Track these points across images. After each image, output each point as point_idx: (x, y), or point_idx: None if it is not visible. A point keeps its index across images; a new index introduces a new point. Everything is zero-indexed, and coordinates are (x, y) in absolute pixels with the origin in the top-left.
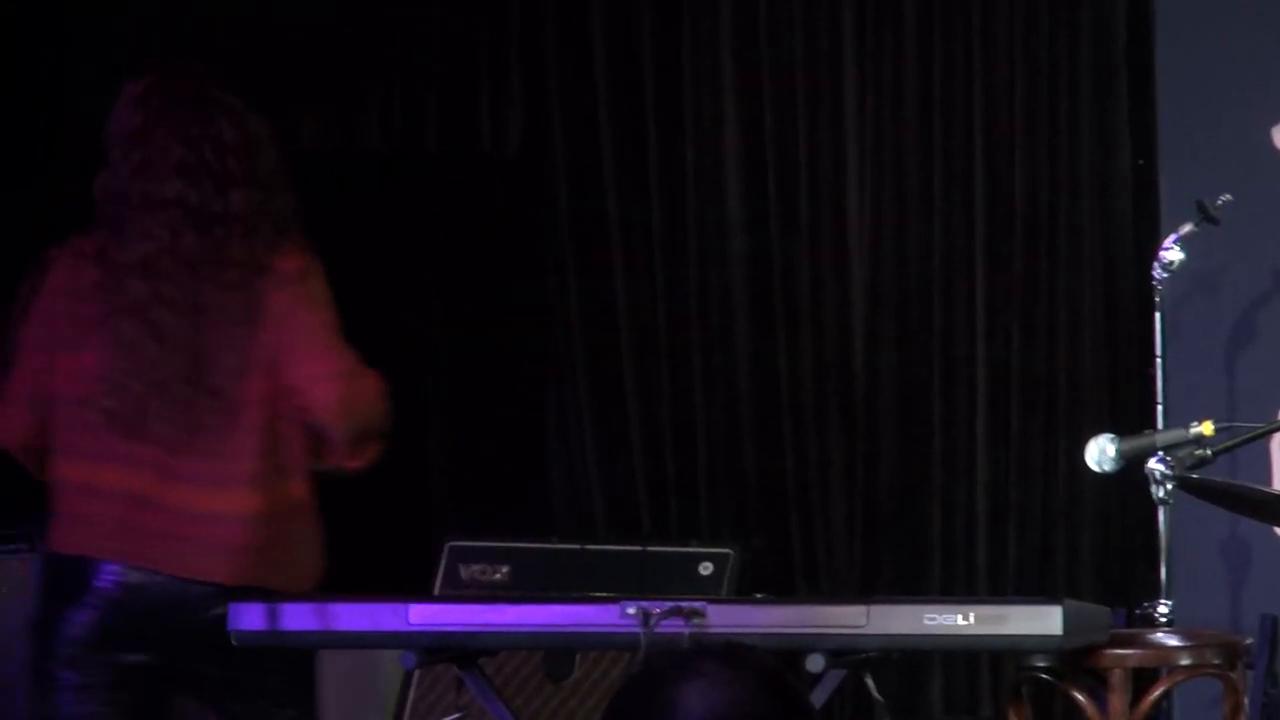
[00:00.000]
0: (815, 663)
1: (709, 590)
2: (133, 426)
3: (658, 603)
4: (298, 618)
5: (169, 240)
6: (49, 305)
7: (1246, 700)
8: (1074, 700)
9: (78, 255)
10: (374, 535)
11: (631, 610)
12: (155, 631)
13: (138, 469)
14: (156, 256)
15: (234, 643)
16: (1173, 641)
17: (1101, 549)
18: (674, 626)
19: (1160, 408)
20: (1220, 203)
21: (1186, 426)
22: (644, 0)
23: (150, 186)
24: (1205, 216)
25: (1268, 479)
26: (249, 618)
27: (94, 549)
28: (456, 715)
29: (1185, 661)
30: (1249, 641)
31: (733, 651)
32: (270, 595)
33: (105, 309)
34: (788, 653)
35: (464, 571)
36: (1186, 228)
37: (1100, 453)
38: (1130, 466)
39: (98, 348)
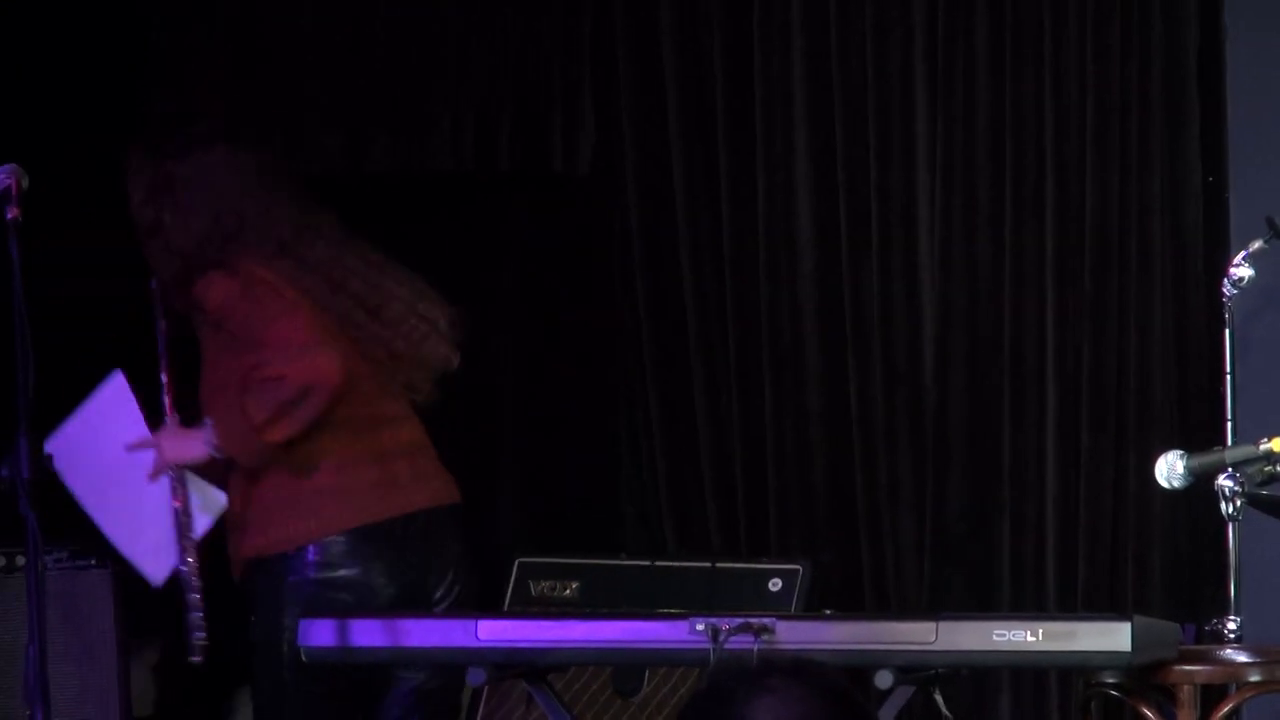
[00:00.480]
0: (884, 679)
1: (778, 606)
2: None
3: (727, 619)
4: (369, 634)
5: None
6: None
7: None
8: (1143, 716)
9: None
10: None
11: (700, 626)
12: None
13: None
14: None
15: (304, 659)
16: (1242, 658)
17: (1171, 565)
18: (743, 642)
19: (1229, 424)
20: None
21: (1256, 443)
22: (715, 20)
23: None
24: (1275, 232)
25: None
26: (319, 634)
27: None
28: None
29: (1255, 678)
30: None
31: (801, 668)
32: None
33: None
34: (856, 669)
35: (534, 587)
36: (1256, 244)
37: (1169, 469)
38: (1199, 483)
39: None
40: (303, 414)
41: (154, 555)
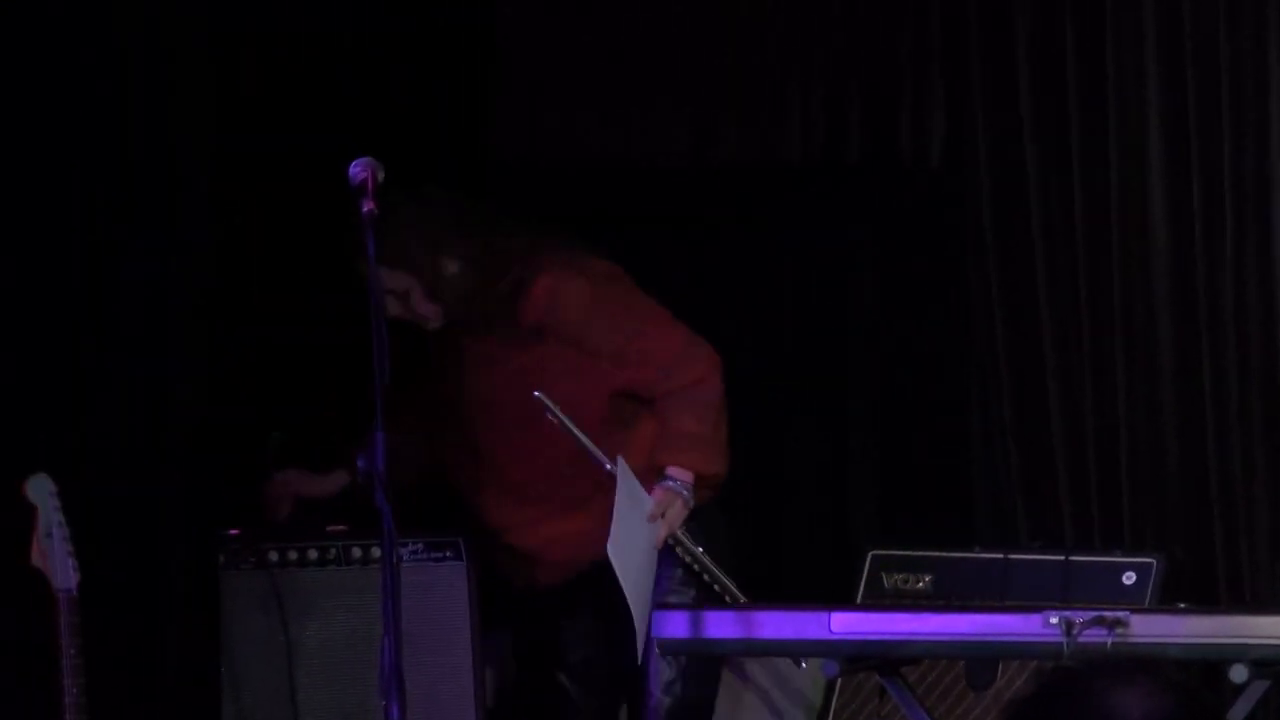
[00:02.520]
0: (1239, 673)
1: (1132, 599)
2: None
3: (1080, 612)
4: (722, 625)
5: None
6: None
7: None
8: None
9: None
10: (798, 544)
11: (1054, 619)
12: None
13: None
14: None
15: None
16: None
17: None
18: (1096, 636)
19: None
20: None
21: None
22: (1067, 6)
23: None
24: None
25: None
26: (673, 625)
27: None
28: None
29: None
30: None
31: (1146, 664)
32: None
33: None
34: (1211, 663)
35: (887, 580)
36: None
37: None
38: None
39: None
40: (723, 406)
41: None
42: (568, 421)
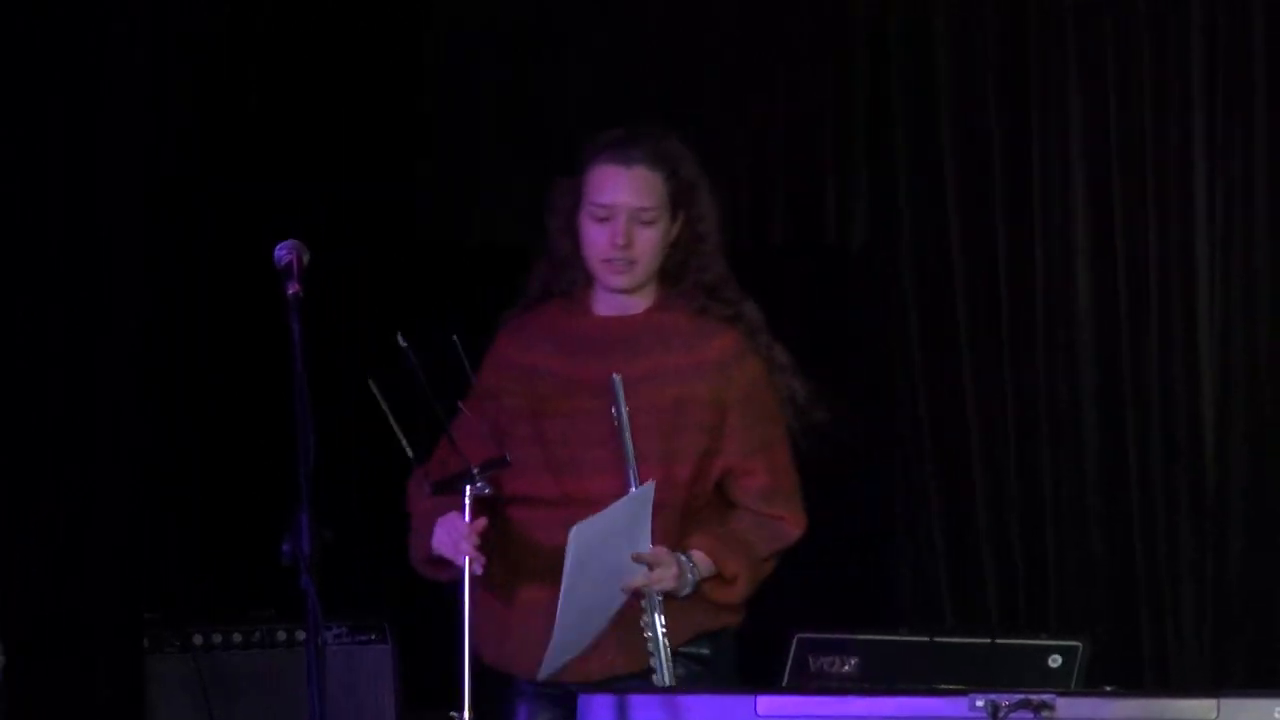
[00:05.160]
0: None
1: (1058, 682)
2: None
3: (1006, 695)
4: (648, 710)
5: None
6: None
7: None
8: None
9: None
10: None
11: (980, 703)
12: None
13: None
14: None
15: None
16: None
17: None
18: (1023, 719)
19: None
20: None
21: None
22: (991, 90)
23: None
24: None
25: None
26: (599, 710)
27: None
28: None
29: None
30: None
31: None
32: None
33: None
34: None
35: (813, 663)
36: None
37: None
38: None
39: None
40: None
41: (563, 653)
42: (626, 419)
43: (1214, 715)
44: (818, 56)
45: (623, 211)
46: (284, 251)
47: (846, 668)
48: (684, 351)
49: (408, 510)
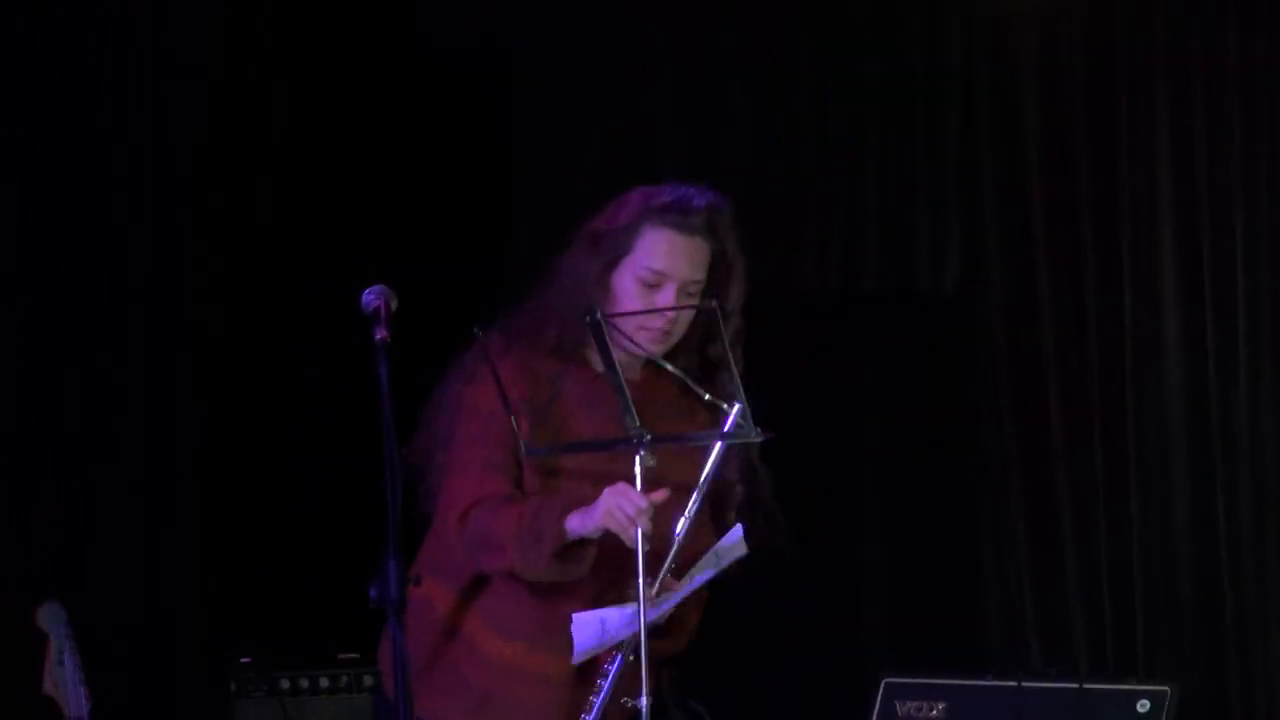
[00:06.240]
0: None
1: None
2: None
3: None
4: None
5: None
6: None
7: None
8: None
9: None
10: (811, 671)
11: None
12: None
13: None
14: None
15: None
16: None
17: None
18: None
19: None
20: None
21: None
22: (1080, 134)
23: None
24: None
25: None
26: None
27: None
28: None
29: None
30: None
31: None
32: None
33: None
34: None
35: (900, 708)
36: None
37: None
38: None
39: None
40: None
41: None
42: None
43: None
44: (909, 101)
45: (675, 281)
46: (372, 296)
47: (934, 713)
48: (672, 421)
49: (482, 532)
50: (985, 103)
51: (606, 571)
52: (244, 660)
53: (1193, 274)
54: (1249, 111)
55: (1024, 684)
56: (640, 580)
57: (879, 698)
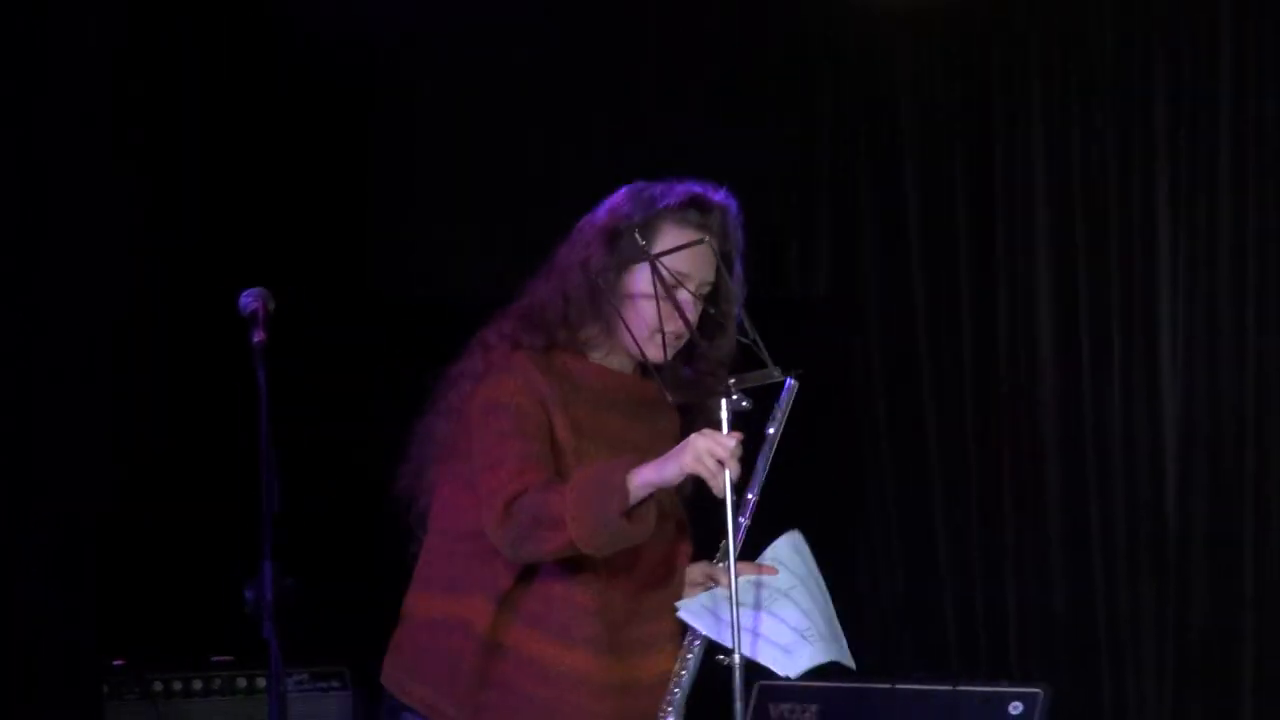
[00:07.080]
0: None
1: None
2: None
3: None
4: None
5: None
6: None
7: None
8: None
9: None
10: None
11: None
12: None
13: None
14: None
15: None
16: None
17: None
18: None
19: None
20: None
21: None
22: (956, 136)
23: None
24: None
25: None
26: None
27: None
28: None
29: None
30: None
31: None
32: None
33: None
34: None
35: (773, 711)
36: None
37: None
38: None
39: None
40: None
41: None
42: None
43: None
44: (783, 108)
45: (694, 281)
46: (249, 299)
47: (807, 715)
48: (665, 420)
49: (535, 512)
50: (856, 101)
51: (646, 566)
52: (116, 662)
53: (1067, 274)
54: (1123, 107)
55: (898, 685)
56: (730, 526)
57: (753, 701)
